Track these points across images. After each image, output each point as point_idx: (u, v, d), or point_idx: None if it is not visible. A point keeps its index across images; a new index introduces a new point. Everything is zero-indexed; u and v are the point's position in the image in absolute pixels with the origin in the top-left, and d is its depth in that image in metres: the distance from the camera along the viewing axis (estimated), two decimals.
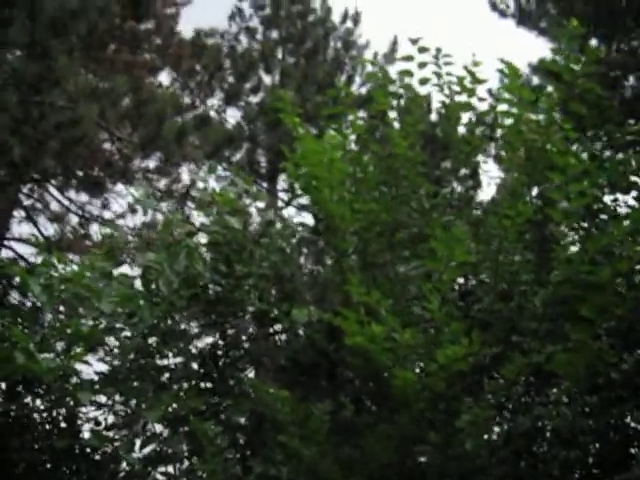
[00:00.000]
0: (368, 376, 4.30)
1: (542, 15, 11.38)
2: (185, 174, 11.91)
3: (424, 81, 4.29)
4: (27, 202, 11.41)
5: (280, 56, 13.69)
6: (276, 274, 4.02)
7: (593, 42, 10.83)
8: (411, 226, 4.03)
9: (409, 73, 4.26)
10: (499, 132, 6.01)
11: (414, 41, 4.17)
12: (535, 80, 10.52)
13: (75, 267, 4.19)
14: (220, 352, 4.32)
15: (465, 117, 4.76)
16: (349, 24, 13.81)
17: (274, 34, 13.81)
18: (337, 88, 7.40)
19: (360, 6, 14.33)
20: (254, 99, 13.19)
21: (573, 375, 3.58)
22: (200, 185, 12.40)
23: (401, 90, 4.38)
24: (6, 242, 11.12)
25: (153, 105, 10.35)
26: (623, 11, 10.08)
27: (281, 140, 12.29)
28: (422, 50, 4.20)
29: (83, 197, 12.30)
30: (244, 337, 4.39)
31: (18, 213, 11.42)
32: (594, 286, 3.44)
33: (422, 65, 4.22)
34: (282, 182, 12.96)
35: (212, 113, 12.92)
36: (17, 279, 4.46)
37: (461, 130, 4.76)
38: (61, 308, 4.46)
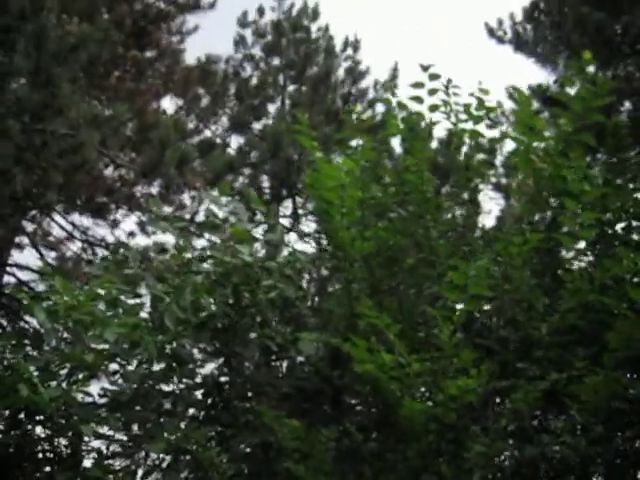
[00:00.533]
0: (375, 404, 4.26)
1: (539, 42, 11.56)
2: (188, 201, 11.93)
3: (434, 108, 4.28)
4: (29, 229, 11.40)
5: (282, 82, 13.79)
6: (282, 300, 4.00)
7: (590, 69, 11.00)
8: (419, 252, 4.01)
9: (420, 99, 4.24)
10: (500, 158, 6.04)
11: (425, 68, 4.16)
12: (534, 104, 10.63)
13: (80, 293, 4.15)
14: (224, 379, 4.27)
15: (468, 144, 4.78)
16: (350, 51, 13.95)
17: (276, 61, 13.92)
18: (349, 110, 7.40)
19: (359, 33, 14.37)
20: (257, 125, 13.26)
21: (591, 403, 3.53)
22: (204, 210, 12.48)
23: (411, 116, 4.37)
24: (8, 269, 11.10)
25: (156, 131, 10.39)
26: (619, 38, 10.21)
27: (285, 166, 12.37)
28: (433, 77, 4.19)
29: (86, 221, 12.37)
30: (247, 365, 4.34)
31: (20, 239, 11.42)
32: (610, 314, 3.41)
33: (433, 92, 4.21)
34: (284, 208, 12.97)
35: (216, 139, 12.98)
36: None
37: (462, 156, 4.78)
38: (65, 334, 4.42)
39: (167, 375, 4.14)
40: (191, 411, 4.26)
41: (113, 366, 4.41)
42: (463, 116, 4.26)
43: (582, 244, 4.16)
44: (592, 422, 3.76)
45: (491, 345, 3.95)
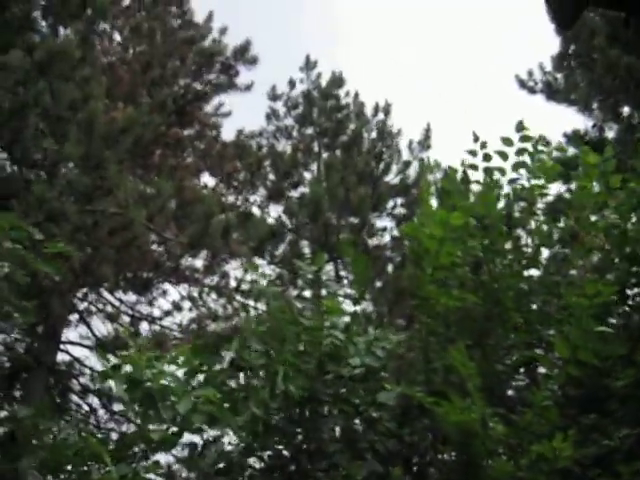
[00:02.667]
0: (454, 463, 4.26)
1: (571, 89, 11.72)
2: (231, 271, 12.15)
3: (518, 166, 4.36)
4: (82, 306, 11.66)
5: (316, 150, 14.15)
6: (366, 370, 4.05)
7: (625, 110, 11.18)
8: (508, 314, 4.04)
9: (505, 156, 4.34)
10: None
11: (521, 127, 4.29)
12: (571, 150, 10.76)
13: (156, 365, 4.18)
14: (304, 447, 4.31)
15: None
16: (381, 115, 14.31)
17: (309, 130, 14.33)
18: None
19: (389, 98, 14.80)
20: (295, 194, 13.57)
21: None
22: (248, 279, 12.67)
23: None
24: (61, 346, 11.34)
25: (200, 205, 10.69)
26: None
27: (325, 230, 12.58)
28: (525, 139, 4.30)
29: (131, 297, 12.64)
30: (325, 435, 4.36)
31: (72, 316, 11.68)
32: None
33: (488, 158, 4.34)
34: (327, 274, 13.08)
35: (255, 210, 13.29)
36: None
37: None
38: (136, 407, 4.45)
39: (250, 448, 4.17)
40: None
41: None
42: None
43: None
44: None
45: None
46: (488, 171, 4.41)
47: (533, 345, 4.25)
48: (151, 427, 4.14)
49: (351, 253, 4.73)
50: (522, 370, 4.39)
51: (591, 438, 3.73)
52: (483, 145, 4.39)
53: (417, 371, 3.99)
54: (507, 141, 4.29)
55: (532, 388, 3.93)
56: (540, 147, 4.28)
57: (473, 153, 4.40)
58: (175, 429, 4.11)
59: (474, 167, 4.38)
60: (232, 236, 11.11)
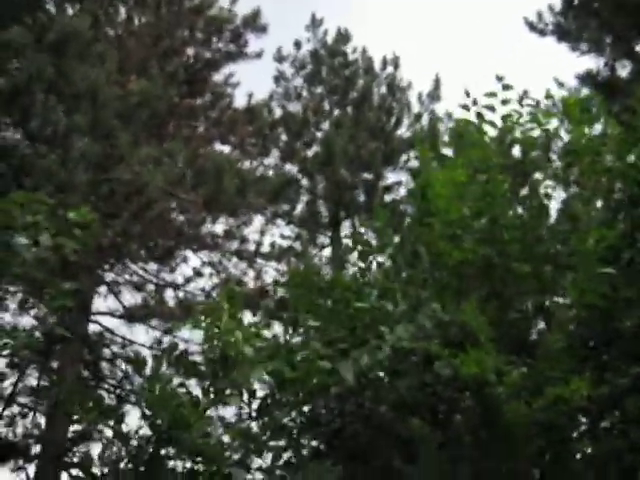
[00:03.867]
0: (474, 411, 4.43)
1: (582, 29, 11.50)
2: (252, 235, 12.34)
3: (507, 118, 4.48)
4: (109, 277, 11.96)
5: (327, 108, 14.17)
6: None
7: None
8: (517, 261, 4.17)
9: (493, 109, 4.45)
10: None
11: (500, 78, 4.40)
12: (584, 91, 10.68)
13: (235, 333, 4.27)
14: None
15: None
16: (390, 69, 14.28)
17: (319, 89, 14.34)
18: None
19: (397, 48, 14.74)
20: (309, 153, 13.67)
21: None
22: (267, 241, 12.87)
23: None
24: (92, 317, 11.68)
25: (213, 165, 10.77)
26: None
27: (340, 189, 12.71)
28: (506, 88, 4.41)
29: (153, 265, 12.90)
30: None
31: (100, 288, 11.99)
32: None
33: (505, 102, 4.43)
34: (345, 230, 13.28)
35: (270, 173, 13.41)
36: None
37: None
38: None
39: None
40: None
41: None
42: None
43: None
44: None
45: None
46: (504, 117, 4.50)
47: (545, 292, 4.41)
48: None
49: (384, 218, 4.75)
50: (536, 316, 4.55)
51: (604, 377, 3.90)
52: (506, 87, 4.43)
53: (434, 325, 4.15)
54: (492, 94, 4.40)
55: (546, 332, 4.11)
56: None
57: (493, 95, 4.45)
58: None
59: (491, 108, 4.45)
60: (248, 192, 11.22)
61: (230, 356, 3.97)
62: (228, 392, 4.08)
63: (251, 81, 16.65)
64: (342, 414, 4.37)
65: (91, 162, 9.50)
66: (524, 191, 4.75)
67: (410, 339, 4.07)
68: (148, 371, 4.37)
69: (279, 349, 4.20)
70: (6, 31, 8.66)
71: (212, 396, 4.10)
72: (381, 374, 4.48)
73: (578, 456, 4.09)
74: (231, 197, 10.71)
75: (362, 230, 13.16)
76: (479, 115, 4.55)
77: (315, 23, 14.63)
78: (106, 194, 9.93)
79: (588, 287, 3.83)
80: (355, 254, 4.74)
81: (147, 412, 4.09)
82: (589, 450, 3.90)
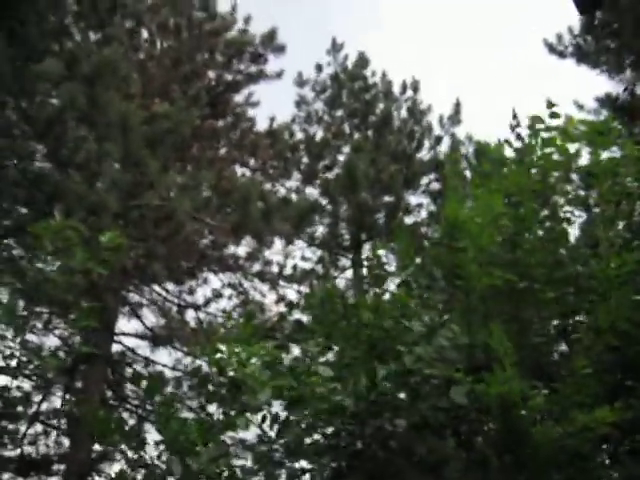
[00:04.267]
0: (498, 435, 4.44)
1: (602, 51, 11.45)
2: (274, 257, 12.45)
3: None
4: (132, 298, 12.10)
5: (348, 131, 14.31)
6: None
7: None
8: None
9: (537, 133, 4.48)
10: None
11: (551, 104, 4.43)
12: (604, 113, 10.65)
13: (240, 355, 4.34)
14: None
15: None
16: (409, 92, 14.40)
17: (339, 112, 14.49)
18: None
19: (414, 73, 14.89)
20: (330, 175, 13.79)
21: None
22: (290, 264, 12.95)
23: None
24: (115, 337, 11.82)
25: (239, 192, 10.94)
26: None
27: (361, 211, 12.79)
28: (553, 116, 4.44)
29: (173, 286, 13.02)
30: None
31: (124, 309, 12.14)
32: None
33: (550, 129, 4.46)
34: (366, 252, 13.33)
35: (292, 196, 13.53)
36: None
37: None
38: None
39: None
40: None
41: None
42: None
43: None
44: None
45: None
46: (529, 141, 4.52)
47: (567, 316, 4.43)
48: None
49: (405, 238, 4.80)
50: (558, 340, 4.57)
51: (630, 403, 3.91)
52: (554, 115, 4.44)
53: (453, 347, 4.17)
54: (537, 118, 4.43)
55: (571, 357, 4.12)
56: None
57: (539, 119, 4.46)
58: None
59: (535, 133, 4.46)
60: (273, 217, 11.35)
61: (239, 379, 4.01)
62: (234, 414, 4.12)
63: (271, 101, 16.85)
64: (362, 435, 4.40)
65: (122, 189, 9.72)
66: (544, 213, 4.78)
67: (430, 360, 4.11)
68: (167, 391, 4.44)
69: (291, 371, 4.25)
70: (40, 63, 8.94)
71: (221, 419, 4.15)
72: (402, 395, 4.53)
73: None
74: (257, 222, 10.85)
75: (380, 252, 13.22)
76: (518, 136, 4.60)
77: (335, 47, 14.82)
78: (136, 219, 10.13)
79: (620, 314, 3.85)
80: (371, 278, 4.80)
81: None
82: (615, 475, 3.89)
